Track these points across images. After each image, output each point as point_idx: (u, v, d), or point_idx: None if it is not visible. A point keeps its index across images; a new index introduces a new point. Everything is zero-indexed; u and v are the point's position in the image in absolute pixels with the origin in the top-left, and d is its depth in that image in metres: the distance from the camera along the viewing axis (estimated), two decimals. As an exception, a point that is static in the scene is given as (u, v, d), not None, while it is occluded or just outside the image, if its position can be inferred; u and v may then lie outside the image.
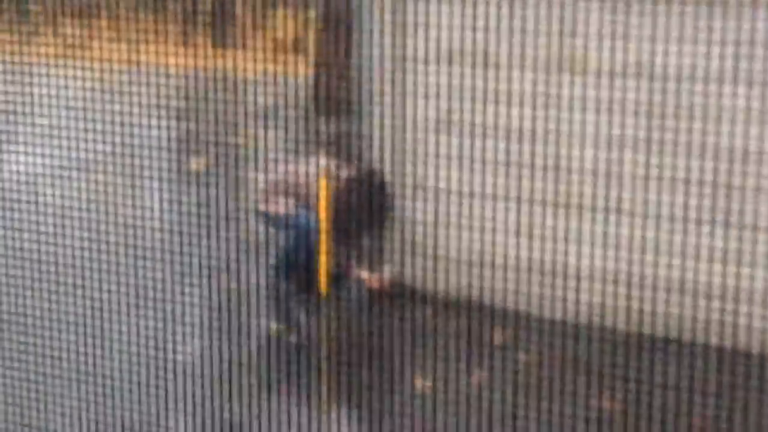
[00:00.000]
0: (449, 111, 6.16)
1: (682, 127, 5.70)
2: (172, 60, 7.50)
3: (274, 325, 5.74)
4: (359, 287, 6.23)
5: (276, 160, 6.67)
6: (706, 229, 5.65)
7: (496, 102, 6.03)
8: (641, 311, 5.84)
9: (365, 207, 6.14)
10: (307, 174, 6.12)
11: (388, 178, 6.23)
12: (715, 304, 5.70)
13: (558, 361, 5.35)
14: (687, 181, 5.68)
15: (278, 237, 6.31)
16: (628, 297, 5.88)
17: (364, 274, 6.15)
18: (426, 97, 6.22)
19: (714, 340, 5.67)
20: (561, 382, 5.09)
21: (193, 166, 7.85)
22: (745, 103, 5.54)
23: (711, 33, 5.56)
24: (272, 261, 6.61)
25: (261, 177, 6.34)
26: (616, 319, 5.90)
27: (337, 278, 6.23)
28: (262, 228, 6.80)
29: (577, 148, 5.95)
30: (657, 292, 5.81)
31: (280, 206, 6.12)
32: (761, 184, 5.51)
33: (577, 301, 5.98)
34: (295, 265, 6.31)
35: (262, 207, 6.28)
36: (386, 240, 6.34)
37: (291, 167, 6.19)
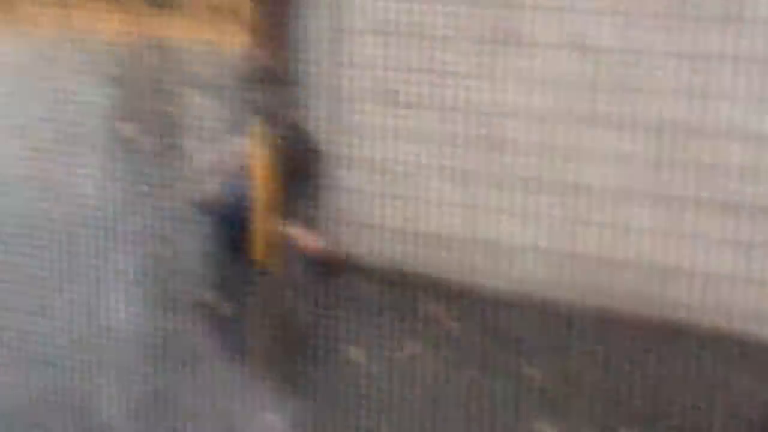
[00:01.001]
0: (385, 83, 6.14)
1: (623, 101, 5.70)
2: (103, 25, 7.37)
3: (208, 295, 5.69)
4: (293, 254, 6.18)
5: (201, 149, 6.62)
6: (644, 202, 5.69)
7: (433, 74, 6.01)
8: (579, 282, 5.88)
9: (297, 169, 6.09)
10: (235, 148, 6.05)
11: (317, 141, 6.20)
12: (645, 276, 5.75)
13: (489, 332, 5.36)
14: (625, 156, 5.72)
15: (213, 217, 6.24)
16: (560, 267, 5.91)
17: (298, 236, 6.09)
18: (362, 68, 6.20)
19: (653, 312, 5.71)
20: (492, 354, 5.11)
21: (126, 134, 7.75)
22: (690, 78, 5.57)
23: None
24: (207, 229, 6.54)
25: (189, 167, 6.29)
26: (556, 290, 5.93)
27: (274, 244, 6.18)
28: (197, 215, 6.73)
29: (512, 121, 5.96)
30: (593, 263, 5.85)
31: (212, 188, 6.05)
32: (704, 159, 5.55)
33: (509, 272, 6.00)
34: (230, 233, 6.25)
35: (194, 196, 6.21)
36: (320, 208, 6.30)
37: (216, 150, 6.13)
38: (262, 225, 5.89)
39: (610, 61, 5.82)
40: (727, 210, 5.61)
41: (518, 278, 5.98)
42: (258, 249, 5.96)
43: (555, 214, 5.91)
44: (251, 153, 5.99)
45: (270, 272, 5.84)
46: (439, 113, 6.10)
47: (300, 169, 6.00)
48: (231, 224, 6.17)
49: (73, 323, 5.25)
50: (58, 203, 7.04)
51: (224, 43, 7.31)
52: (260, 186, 5.87)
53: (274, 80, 6.71)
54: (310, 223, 6.04)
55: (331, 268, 5.87)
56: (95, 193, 7.28)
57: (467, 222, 6.14)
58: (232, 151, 6.20)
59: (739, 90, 5.50)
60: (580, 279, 5.83)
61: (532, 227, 5.97)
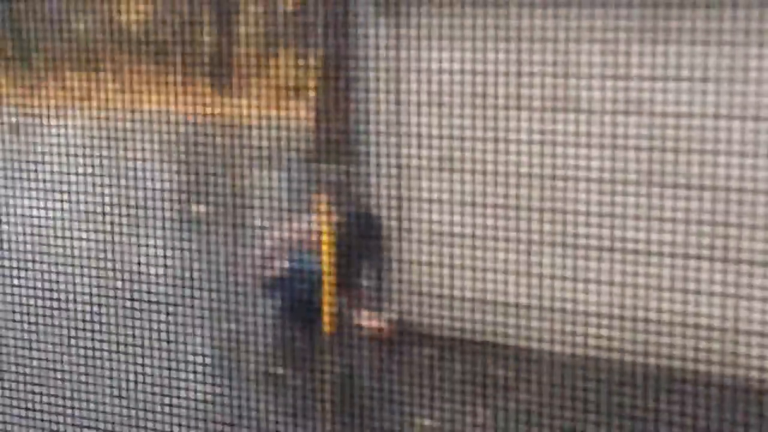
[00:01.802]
0: (445, 154, 6.25)
1: (682, 162, 5.77)
2: (173, 107, 7.58)
3: (280, 368, 5.81)
4: (360, 329, 6.29)
5: (269, 227, 6.76)
6: (705, 264, 5.73)
7: (493, 141, 6.11)
8: (641, 343, 5.91)
9: (361, 248, 6.22)
10: (302, 226, 6.20)
11: (382, 219, 6.33)
12: (716, 335, 5.77)
13: (560, 395, 5.42)
14: (686, 219, 5.76)
15: (281, 294, 6.38)
16: (623, 329, 5.95)
17: (365, 319, 6.22)
18: (422, 140, 6.32)
19: (719, 371, 5.73)
20: (562, 416, 5.15)
21: (195, 210, 7.91)
22: (742, 137, 5.63)
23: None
24: (277, 303, 6.68)
25: (257, 245, 6.44)
26: (617, 353, 5.97)
27: (341, 319, 6.30)
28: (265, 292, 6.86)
29: (572, 186, 6.04)
30: (657, 325, 5.88)
31: (280, 265, 6.19)
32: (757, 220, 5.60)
33: (574, 334, 6.05)
34: (299, 307, 6.38)
35: (262, 274, 6.36)
36: (385, 281, 6.42)
37: (284, 228, 6.28)
38: (329, 298, 6.01)
39: (667, 123, 5.89)
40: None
41: (580, 341, 6.04)
42: (325, 321, 6.07)
43: (616, 278, 5.98)
44: (317, 229, 6.12)
45: (337, 342, 5.96)
46: (498, 180, 6.20)
47: (364, 244, 6.13)
48: (299, 299, 6.29)
49: (147, 399, 5.38)
50: (128, 282, 7.21)
51: (289, 120, 7.48)
52: (326, 261, 5.99)
53: (337, 155, 6.87)
54: (374, 296, 6.15)
55: (391, 342, 5.96)
56: (165, 272, 7.45)
57: (528, 288, 6.21)
58: (299, 228, 6.34)
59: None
60: (644, 340, 5.87)
61: (592, 291, 6.03)
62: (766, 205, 5.82)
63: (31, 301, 6.82)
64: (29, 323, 6.58)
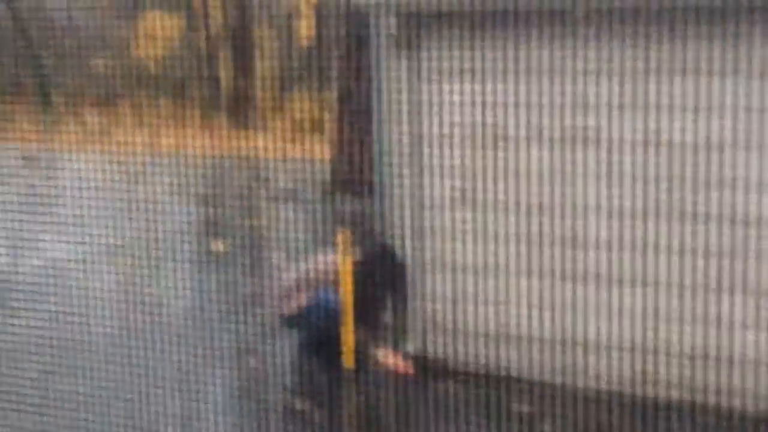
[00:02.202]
0: (465, 186, 6.25)
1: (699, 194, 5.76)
2: (191, 143, 7.60)
3: (300, 404, 5.80)
4: (382, 368, 6.29)
5: (289, 264, 6.76)
6: (719, 294, 5.71)
7: (515, 177, 6.09)
8: (663, 376, 5.89)
9: (382, 284, 6.22)
10: (322, 262, 6.21)
11: (403, 255, 6.32)
12: (734, 368, 5.75)
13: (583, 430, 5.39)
14: (699, 249, 5.75)
15: (301, 330, 6.38)
16: (646, 362, 5.93)
17: (385, 357, 6.21)
18: (442, 173, 6.33)
19: (736, 404, 5.71)
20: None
21: (215, 248, 7.91)
22: (759, 170, 5.62)
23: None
24: (297, 339, 6.68)
25: (277, 282, 6.44)
26: (639, 386, 5.95)
27: (362, 354, 6.30)
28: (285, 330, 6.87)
29: (591, 218, 6.03)
30: (676, 358, 5.86)
31: (299, 302, 6.21)
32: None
33: (598, 369, 6.04)
34: (319, 343, 6.38)
35: (282, 311, 6.38)
36: (407, 317, 6.42)
37: (304, 264, 6.29)
38: (350, 334, 6.01)
39: (685, 155, 5.88)
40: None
41: (605, 375, 6.02)
42: (347, 357, 6.06)
43: (637, 310, 5.96)
44: (338, 264, 6.12)
45: (357, 378, 5.95)
46: (517, 214, 6.20)
47: (385, 280, 6.13)
48: (318, 335, 6.29)
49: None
50: (151, 316, 7.22)
51: (308, 156, 7.50)
52: (346, 296, 5.99)
53: (357, 191, 6.87)
54: (393, 333, 6.14)
55: (409, 379, 5.95)
56: (187, 307, 7.46)
57: (549, 321, 6.20)
58: (320, 263, 6.34)
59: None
60: (666, 374, 5.85)
61: (615, 324, 6.02)
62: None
63: (49, 336, 6.83)
64: (47, 357, 6.59)
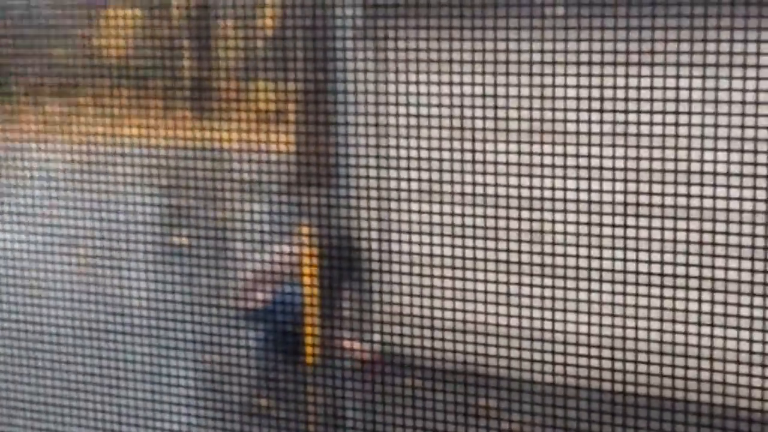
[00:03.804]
0: (429, 179, 6.18)
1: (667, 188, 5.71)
2: (153, 132, 7.51)
3: (261, 399, 5.72)
4: (347, 357, 6.22)
5: (252, 257, 6.68)
6: (690, 292, 5.66)
7: (483, 170, 6.03)
8: (629, 372, 5.84)
9: (343, 276, 6.16)
10: (284, 256, 6.14)
11: (367, 248, 6.26)
12: (703, 364, 5.70)
13: (546, 425, 5.34)
14: (672, 242, 5.70)
15: (261, 325, 6.32)
16: (614, 357, 5.87)
17: (347, 344, 6.15)
18: (405, 165, 6.26)
19: (704, 399, 5.67)
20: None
21: (176, 240, 7.82)
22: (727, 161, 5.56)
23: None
24: (259, 335, 6.60)
25: (239, 275, 6.36)
26: (608, 382, 5.89)
27: (326, 350, 6.22)
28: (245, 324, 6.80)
29: (559, 214, 5.97)
30: (644, 354, 5.81)
31: (261, 297, 6.14)
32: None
33: (564, 365, 5.98)
34: (280, 338, 6.30)
35: (242, 305, 6.31)
36: (367, 309, 6.34)
37: (265, 258, 6.22)
38: (312, 329, 5.92)
39: (652, 146, 5.83)
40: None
41: (569, 370, 5.96)
42: (308, 353, 5.98)
43: (603, 304, 5.91)
44: (299, 257, 6.04)
45: (320, 373, 5.88)
46: (482, 206, 6.13)
47: (346, 272, 6.06)
48: (282, 330, 6.21)
49: (129, 425, 5.29)
50: (108, 313, 7.12)
51: (270, 146, 7.41)
52: (308, 290, 5.91)
53: (318, 182, 6.80)
54: (357, 324, 6.08)
55: (375, 369, 5.88)
56: (146, 302, 7.36)
57: (514, 314, 6.14)
58: (281, 256, 6.26)
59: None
60: (633, 367, 5.80)
61: (584, 318, 5.96)
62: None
63: (9, 332, 6.73)
64: (4, 353, 6.49)
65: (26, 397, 5.87)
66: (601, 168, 5.80)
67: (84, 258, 7.63)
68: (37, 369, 6.14)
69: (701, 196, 5.57)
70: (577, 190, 5.83)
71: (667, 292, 5.69)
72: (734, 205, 5.59)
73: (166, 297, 7.35)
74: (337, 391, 5.86)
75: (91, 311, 7.32)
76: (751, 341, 5.51)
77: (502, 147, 6.09)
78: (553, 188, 5.92)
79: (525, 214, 6.01)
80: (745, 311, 5.56)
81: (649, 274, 5.69)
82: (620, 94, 5.72)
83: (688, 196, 5.59)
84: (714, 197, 5.56)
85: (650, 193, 5.71)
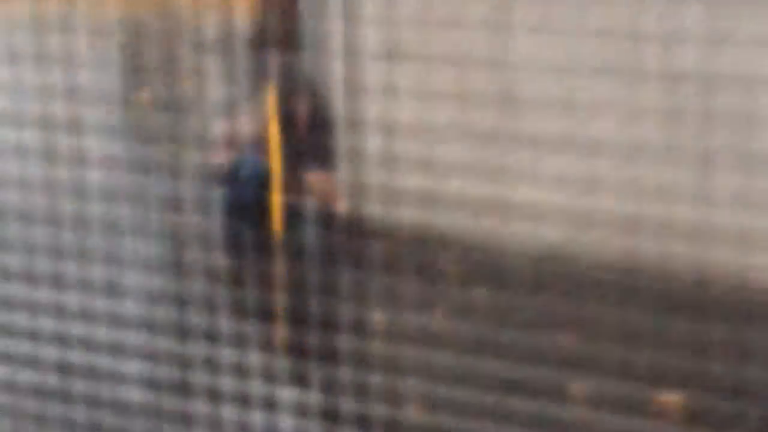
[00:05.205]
0: (397, 38, 6.06)
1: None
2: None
3: (227, 262, 5.68)
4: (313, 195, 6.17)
5: (222, 113, 6.53)
6: (658, 163, 5.61)
7: (455, 27, 5.90)
8: (598, 244, 5.83)
9: (312, 139, 6.08)
10: (251, 117, 6.03)
11: (332, 107, 6.16)
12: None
13: (516, 293, 5.33)
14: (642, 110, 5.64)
15: (230, 181, 6.25)
16: (581, 230, 5.86)
17: (314, 178, 6.10)
18: (372, 24, 6.12)
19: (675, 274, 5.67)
20: (521, 314, 5.07)
21: (138, 100, 7.69)
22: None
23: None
24: (224, 200, 6.54)
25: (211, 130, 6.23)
26: (576, 253, 5.89)
27: (292, 215, 6.18)
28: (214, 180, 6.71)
29: (527, 76, 5.87)
30: (607, 227, 5.79)
31: (228, 156, 6.05)
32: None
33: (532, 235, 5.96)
34: (247, 204, 6.25)
35: (212, 159, 6.21)
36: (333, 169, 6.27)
37: (236, 116, 6.11)
38: (277, 195, 5.86)
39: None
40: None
41: (538, 237, 5.94)
42: (274, 216, 5.93)
43: (572, 173, 5.86)
44: (265, 118, 5.95)
45: (286, 239, 5.83)
46: (453, 69, 6.02)
47: (313, 123, 5.96)
48: (246, 193, 6.15)
49: (90, 292, 5.24)
50: (69, 171, 7.03)
51: (234, 6, 7.24)
52: (274, 152, 5.83)
53: (284, 42, 6.66)
54: (323, 166, 6.01)
55: (350, 233, 5.84)
56: (108, 162, 7.25)
57: (484, 182, 6.09)
58: (246, 118, 6.16)
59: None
60: (598, 237, 5.78)
61: (549, 188, 5.92)
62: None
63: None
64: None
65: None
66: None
67: (42, 114, 7.50)
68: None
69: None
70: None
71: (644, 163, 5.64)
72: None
73: (129, 158, 7.24)
74: (302, 255, 5.82)
75: (52, 167, 7.22)
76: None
77: (472, 4, 5.96)
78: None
79: (497, 76, 5.91)
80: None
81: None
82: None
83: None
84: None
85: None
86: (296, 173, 6.19)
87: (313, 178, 6.22)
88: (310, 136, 6.24)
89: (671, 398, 4.28)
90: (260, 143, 6.04)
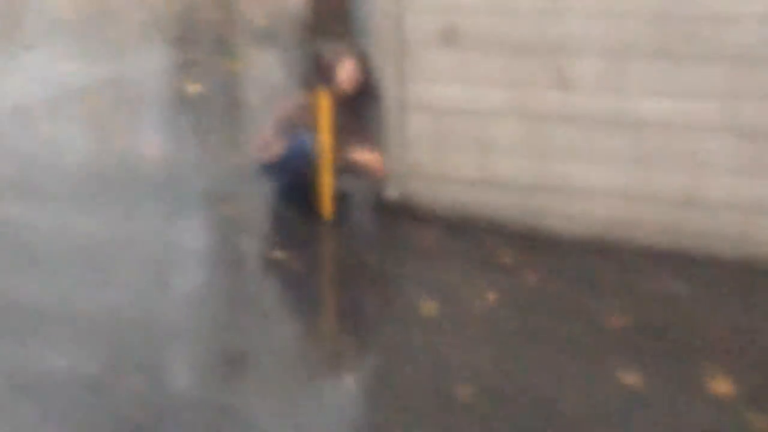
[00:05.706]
0: (450, 24, 6.03)
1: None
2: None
3: (277, 252, 5.67)
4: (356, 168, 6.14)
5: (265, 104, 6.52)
6: (712, 137, 5.54)
7: (507, 13, 5.86)
8: (651, 224, 5.76)
9: (359, 124, 6.08)
10: (297, 104, 6.03)
11: (382, 93, 6.14)
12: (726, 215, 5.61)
13: (568, 279, 5.27)
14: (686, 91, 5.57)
15: (279, 175, 6.24)
16: (634, 210, 5.79)
17: (359, 155, 6.08)
18: (425, 11, 6.10)
19: (728, 252, 5.60)
20: (572, 301, 5.02)
21: (190, 90, 7.70)
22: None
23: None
24: (274, 186, 6.53)
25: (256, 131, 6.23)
26: (628, 233, 5.82)
27: (341, 200, 6.17)
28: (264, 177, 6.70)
29: (582, 58, 5.81)
30: (667, 205, 5.73)
31: (278, 148, 6.04)
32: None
33: (585, 216, 5.90)
34: (297, 189, 6.24)
35: (259, 156, 6.23)
36: (385, 157, 6.24)
37: (280, 108, 6.12)
38: (327, 179, 5.85)
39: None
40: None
41: (590, 220, 5.88)
42: (323, 203, 5.93)
43: (627, 154, 5.79)
44: (314, 105, 5.94)
45: (336, 224, 5.82)
46: (506, 52, 5.97)
47: (362, 102, 5.95)
48: (297, 181, 6.16)
49: (141, 282, 5.24)
50: (122, 162, 7.05)
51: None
52: (323, 139, 5.82)
53: (336, 30, 6.65)
54: (368, 140, 5.98)
55: (397, 220, 5.82)
56: (161, 153, 7.27)
57: (534, 166, 6.03)
58: (296, 105, 6.16)
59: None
60: (654, 219, 5.71)
61: (601, 168, 5.86)
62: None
63: (24, 185, 6.68)
64: (21, 200, 6.44)
65: (41, 249, 5.81)
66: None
67: (95, 106, 7.52)
68: (53, 220, 6.08)
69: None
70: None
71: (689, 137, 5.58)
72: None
73: (181, 147, 7.25)
74: (353, 242, 5.80)
75: (103, 160, 7.25)
76: None
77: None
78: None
79: (550, 57, 5.86)
80: None
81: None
82: None
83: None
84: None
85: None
86: (345, 152, 6.19)
87: (360, 155, 6.22)
88: (358, 115, 6.24)
89: (723, 382, 4.22)
90: (310, 128, 6.04)
